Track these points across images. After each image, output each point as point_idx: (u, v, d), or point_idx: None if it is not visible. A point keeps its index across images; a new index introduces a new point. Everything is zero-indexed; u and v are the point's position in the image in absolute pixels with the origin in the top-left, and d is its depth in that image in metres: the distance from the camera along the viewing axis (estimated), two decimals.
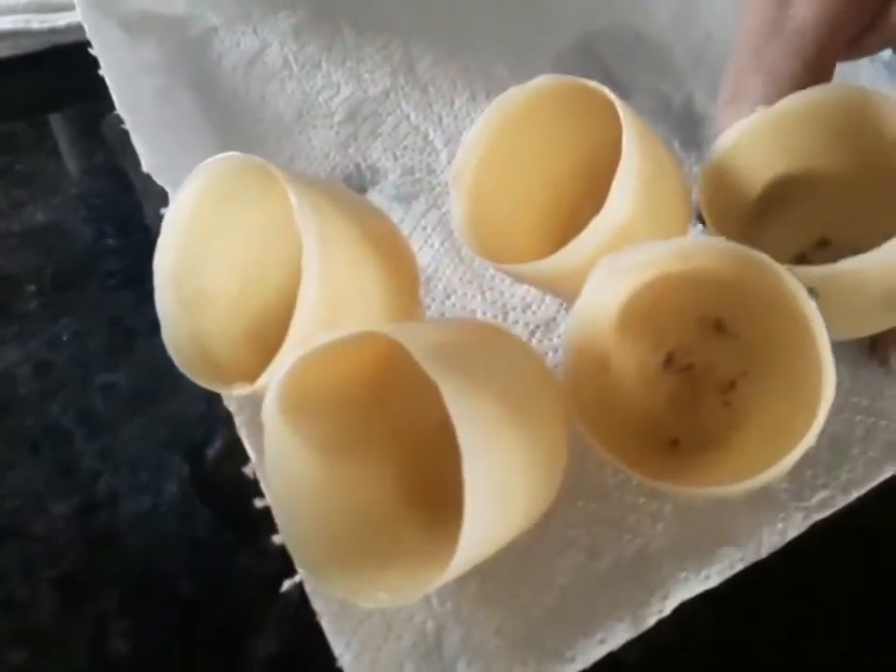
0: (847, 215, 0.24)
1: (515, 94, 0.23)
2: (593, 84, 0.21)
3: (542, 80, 0.22)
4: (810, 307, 0.18)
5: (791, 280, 0.18)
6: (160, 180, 0.27)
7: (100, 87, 0.31)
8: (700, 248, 0.20)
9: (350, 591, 0.16)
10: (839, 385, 0.23)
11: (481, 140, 0.23)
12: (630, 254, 0.19)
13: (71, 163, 0.32)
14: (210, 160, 0.20)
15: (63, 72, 0.35)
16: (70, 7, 0.36)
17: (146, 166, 0.27)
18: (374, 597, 0.16)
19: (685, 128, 0.33)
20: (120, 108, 0.30)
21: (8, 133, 0.33)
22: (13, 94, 0.35)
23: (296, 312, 0.18)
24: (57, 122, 0.34)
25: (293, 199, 0.18)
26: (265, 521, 0.19)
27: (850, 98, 0.21)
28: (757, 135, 0.23)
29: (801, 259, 0.24)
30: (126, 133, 0.29)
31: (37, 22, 0.37)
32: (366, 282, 0.20)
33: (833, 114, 0.22)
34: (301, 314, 0.18)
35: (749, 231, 0.24)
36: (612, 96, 0.21)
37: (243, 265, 0.22)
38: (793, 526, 0.21)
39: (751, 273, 0.19)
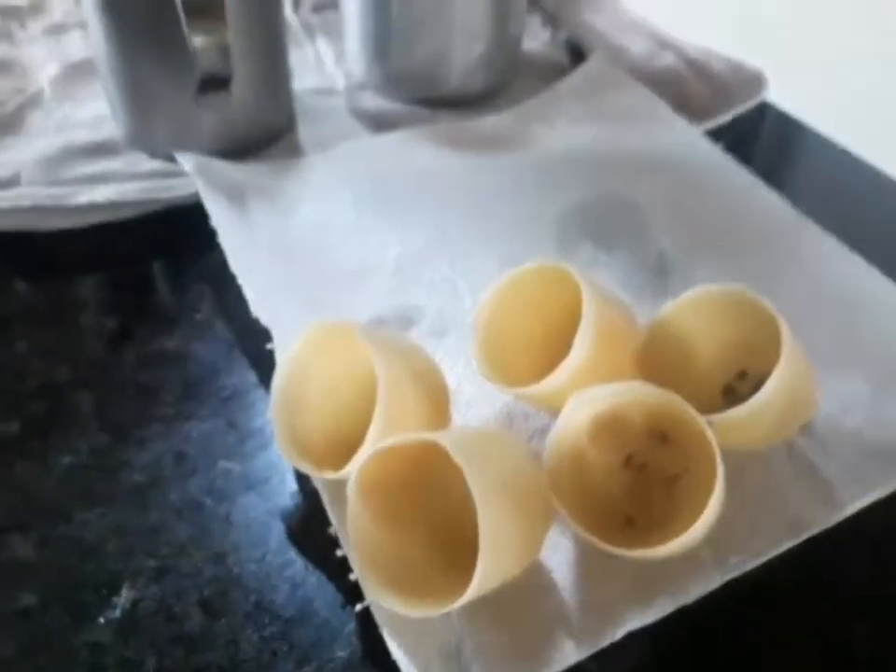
0: (757, 355, 0.33)
1: (514, 273, 0.33)
2: (564, 265, 0.31)
3: (531, 264, 0.32)
4: (709, 432, 0.27)
5: (696, 415, 0.27)
6: (263, 321, 0.37)
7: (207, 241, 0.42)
8: (639, 391, 0.29)
9: (400, 606, 0.25)
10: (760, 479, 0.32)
11: (491, 303, 0.33)
12: (591, 392, 0.29)
13: (190, 302, 0.43)
14: (315, 323, 0.30)
15: (175, 228, 0.46)
16: (179, 175, 0.47)
17: (253, 311, 0.38)
18: (416, 609, 0.25)
19: (657, 278, 0.43)
20: (232, 263, 0.40)
21: (143, 277, 0.44)
22: (140, 247, 0.45)
23: (372, 423, 0.27)
24: (176, 270, 0.45)
25: (371, 350, 0.28)
26: (342, 565, 0.28)
27: (740, 294, 0.31)
28: (684, 308, 0.33)
29: (727, 387, 0.34)
30: (225, 280, 0.40)
31: (159, 191, 0.48)
32: (415, 402, 0.30)
33: (734, 302, 0.32)
34: (376, 425, 0.27)
35: (686, 371, 0.33)
36: (575, 274, 0.30)
37: (330, 389, 0.31)
38: (714, 582, 0.29)
39: (675, 408, 0.28)
